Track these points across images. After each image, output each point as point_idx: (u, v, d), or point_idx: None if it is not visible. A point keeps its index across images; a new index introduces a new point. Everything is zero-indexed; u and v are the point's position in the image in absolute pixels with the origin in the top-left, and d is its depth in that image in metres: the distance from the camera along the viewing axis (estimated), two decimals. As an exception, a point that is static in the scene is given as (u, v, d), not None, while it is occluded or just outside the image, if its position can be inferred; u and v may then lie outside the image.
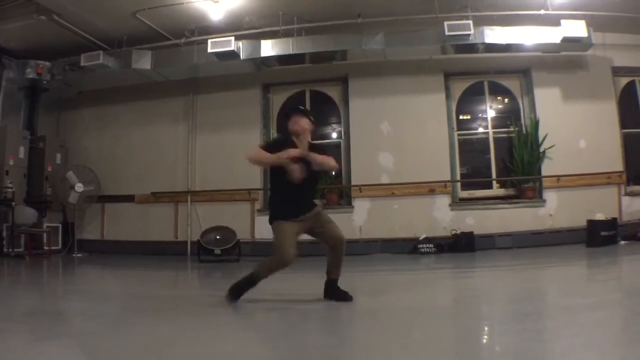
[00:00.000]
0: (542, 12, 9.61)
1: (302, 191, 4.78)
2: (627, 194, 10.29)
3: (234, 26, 10.27)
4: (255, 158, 4.89)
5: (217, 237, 10.07)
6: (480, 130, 11.30)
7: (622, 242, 9.42)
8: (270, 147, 4.86)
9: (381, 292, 5.85)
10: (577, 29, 9.43)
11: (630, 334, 3.32)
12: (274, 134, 11.68)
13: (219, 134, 11.52)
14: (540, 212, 10.33)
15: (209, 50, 10.03)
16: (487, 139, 11.05)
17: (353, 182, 10.85)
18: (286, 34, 10.21)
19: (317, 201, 5.06)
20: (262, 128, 11.57)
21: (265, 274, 4.72)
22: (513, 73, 11.10)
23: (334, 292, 4.84)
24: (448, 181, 10.53)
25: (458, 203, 10.59)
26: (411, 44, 10.03)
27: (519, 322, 3.81)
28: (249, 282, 4.71)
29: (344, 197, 11.14)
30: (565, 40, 9.57)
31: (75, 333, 3.82)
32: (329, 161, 4.80)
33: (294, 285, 6.30)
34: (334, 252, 4.85)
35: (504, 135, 11.01)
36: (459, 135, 11.02)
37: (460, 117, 11.23)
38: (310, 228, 4.87)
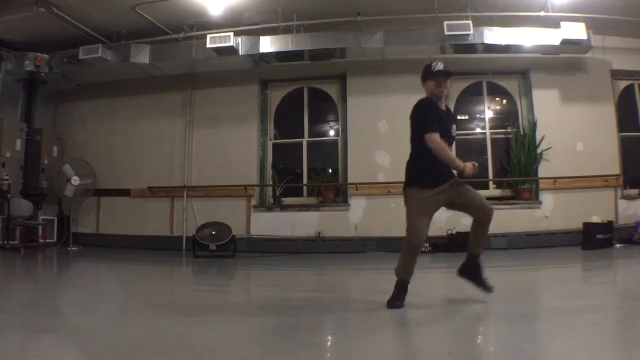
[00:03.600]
0: (542, 13, 9.59)
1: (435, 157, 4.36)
2: (623, 197, 10.28)
3: (233, 22, 10.25)
4: (440, 151, 4.38)
5: (213, 232, 10.06)
6: (478, 130, 11.29)
7: (618, 245, 9.42)
8: (434, 118, 4.45)
9: (377, 291, 5.85)
10: (576, 31, 9.43)
11: (624, 337, 3.33)
12: (271, 130, 11.68)
13: (216, 129, 11.51)
14: (536, 213, 10.33)
15: (208, 45, 10.01)
16: (484, 139, 11.03)
17: (350, 180, 10.85)
18: (285, 30, 10.18)
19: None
20: (260, 124, 11.55)
21: (402, 269, 4.45)
22: (512, 74, 11.08)
23: (474, 272, 4.54)
24: (444, 181, 10.50)
25: (454, 203, 10.57)
26: (410, 43, 10.00)
27: (513, 323, 3.81)
28: (397, 287, 4.44)
29: (340, 194, 11.12)
30: (565, 42, 9.56)
31: (70, 327, 3.82)
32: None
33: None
34: (477, 225, 4.50)
35: (502, 136, 11.00)
36: (456, 135, 10.96)
37: (458, 117, 11.21)
38: (450, 200, 4.51)
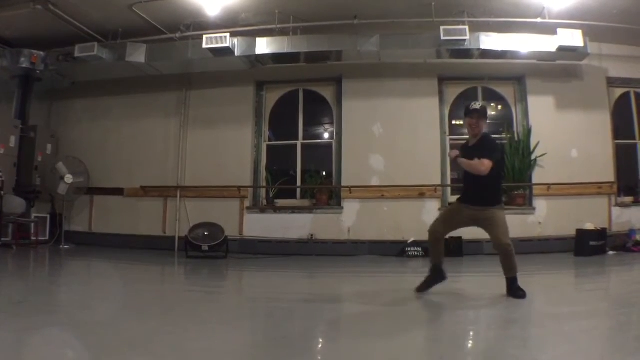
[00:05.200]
0: (538, 20, 9.61)
1: (472, 182, 5.16)
2: (617, 205, 10.30)
3: (229, 22, 10.25)
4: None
5: (205, 233, 10.03)
6: (473, 135, 11.26)
7: (611, 253, 9.43)
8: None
9: (369, 294, 5.84)
10: (573, 38, 9.44)
11: (616, 344, 3.33)
12: (266, 132, 11.69)
13: (210, 130, 11.48)
14: (530, 219, 10.33)
15: (204, 45, 9.98)
16: (479, 144, 11.00)
17: (343, 183, 10.83)
18: (282, 32, 10.19)
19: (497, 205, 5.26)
20: (255, 126, 11.53)
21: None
22: (507, 80, 11.09)
23: (508, 290, 5.07)
24: (438, 185, 10.52)
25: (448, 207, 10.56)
26: (406, 47, 10.00)
27: (505, 328, 3.80)
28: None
29: (333, 197, 11.11)
30: (561, 49, 9.57)
31: (60, 325, 3.80)
32: (474, 166, 5.02)
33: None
34: (498, 254, 5.13)
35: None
36: (451, 140, 10.95)
37: (453, 122, 11.20)
38: (475, 222, 5.24)
